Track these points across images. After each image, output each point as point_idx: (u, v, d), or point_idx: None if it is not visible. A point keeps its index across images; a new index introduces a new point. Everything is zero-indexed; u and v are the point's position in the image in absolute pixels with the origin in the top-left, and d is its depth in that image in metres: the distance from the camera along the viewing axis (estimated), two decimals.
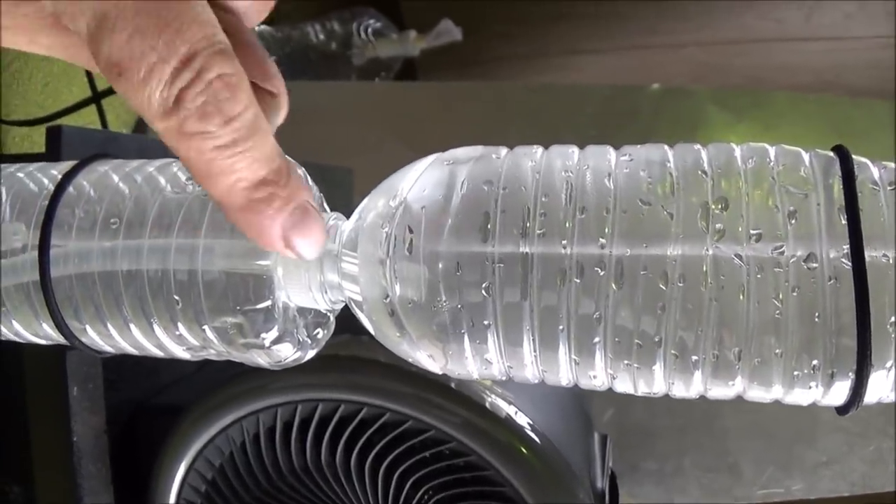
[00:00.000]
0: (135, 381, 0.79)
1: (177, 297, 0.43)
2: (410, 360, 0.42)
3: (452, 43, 1.31)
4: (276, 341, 0.42)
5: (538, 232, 0.37)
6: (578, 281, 0.37)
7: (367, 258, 0.40)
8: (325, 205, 0.47)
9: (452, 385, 0.63)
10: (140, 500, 0.73)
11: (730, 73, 1.32)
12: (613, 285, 0.37)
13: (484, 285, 0.38)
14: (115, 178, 0.46)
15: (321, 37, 1.29)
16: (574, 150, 0.41)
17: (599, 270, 0.37)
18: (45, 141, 0.68)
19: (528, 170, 0.39)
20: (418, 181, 0.40)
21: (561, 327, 0.38)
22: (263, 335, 0.42)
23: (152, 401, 0.79)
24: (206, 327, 0.43)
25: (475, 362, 0.40)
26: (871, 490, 1.12)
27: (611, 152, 0.41)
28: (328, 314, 0.46)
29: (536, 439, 0.64)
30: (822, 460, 1.19)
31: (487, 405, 0.63)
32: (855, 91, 1.32)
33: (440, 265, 0.38)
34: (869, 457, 1.20)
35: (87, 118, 0.98)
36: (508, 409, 0.64)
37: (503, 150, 0.41)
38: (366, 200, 0.42)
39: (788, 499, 1.11)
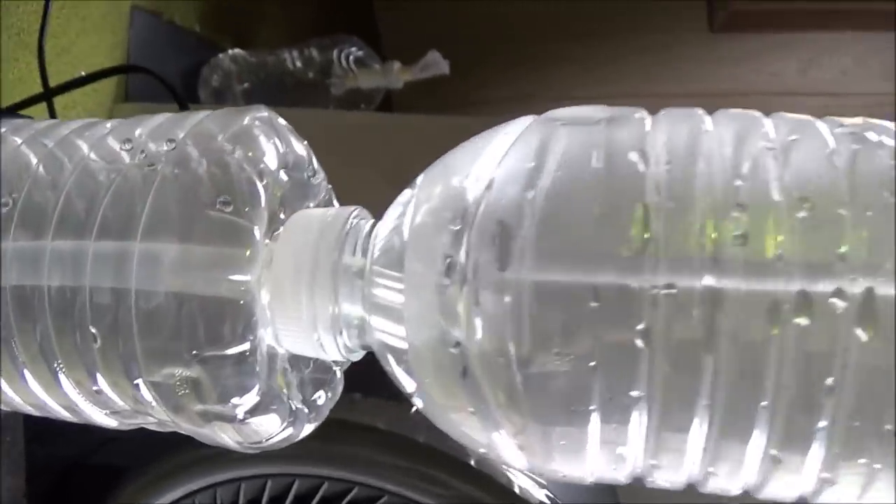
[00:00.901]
0: (67, 434, 0.59)
1: (94, 332, 0.24)
2: (482, 448, 0.23)
3: (433, 85, 1.13)
4: (256, 410, 0.24)
5: (735, 235, 0.20)
6: (804, 323, 0.19)
7: (420, 280, 0.21)
8: (335, 200, 0.29)
9: (472, 463, 0.45)
10: None
11: None
12: (859, 331, 0.19)
13: (639, 328, 0.19)
14: (17, 140, 0.28)
15: (298, 64, 1.11)
16: (759, 115, 0.23)
17: (838, 304, 0.19)
18: None
19: (703, 137, 0.21)
20: (514, 151, 0.21)
21: (764, 403, 0.20)
22: (236, 400, 0.23)
23: (89, 459, 0.59)
24: (140, 382, 0.24)
25: (599, 457, 0.22)
26: None
27: (817, 122, 0.23)
28: (334, 368, 0.28)
29: None
30: None
31: (516, 490, 0.45)
32: None
33: (562, 293, 0.20)
34: None
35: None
36: (539, 495, 0.45)
37: (642, 110, 0.23)
38: (416, 187, 0.24)
39: None
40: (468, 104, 1.28)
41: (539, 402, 0.20)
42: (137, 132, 0.26)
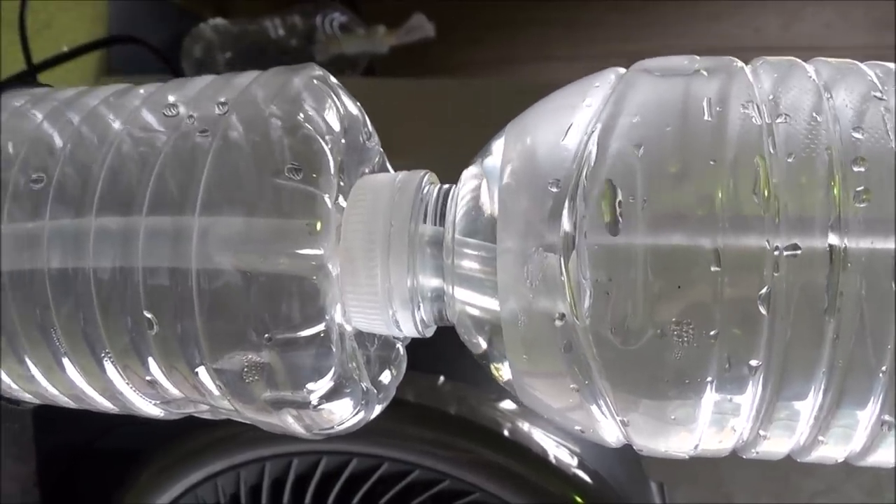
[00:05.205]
0: (75, 419, 0.57)
1: (150, 317, 0.22)
2: (577, 426, 0.21)
3: (413, 49, 1.11)
4: (331, 395, 0.22)
5: (857, 191, 0.18)
6: None
7: (516, 248, 0.20)
8: (388, 165, 0.27)
9: (506, 433, 0.43)
10: None
11: None
12: None
13: (762, 292, 0.18)
14: (38, 115, 0.25)
15: (281, 32, 1.07)
16: (858, 63, 0.22)
17: None
18: None
19: (812, 88, 0.20)
20: (613, 105, 0.20)
21: (884, 368, 0.19)
22: (310, 386, 0.21)
23: (98, 444, 0.57)
24: (201, 369, 0.22)
25: (708, 431, 0.20)
26: None
27: None
28: (397, 345, 0.26)
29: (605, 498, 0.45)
30: (819, 489, 1.01)
31: (552, 459, 0.43)
32: None
33: (681, 258, 0.18)
34: (867, 485, 1.03)
35: None
36: (574, 463, 0.44)
37: (736, 59, 0.22)
38: (496, 146, 0.22)
39: None
40: (449, 68, 1.25)
41: (652, 375, 0.19)
42: (178, 97, 0.24)
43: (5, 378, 0.27)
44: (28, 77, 0.63)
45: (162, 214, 0.22)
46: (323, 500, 0.45)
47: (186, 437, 0.48)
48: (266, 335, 0.20)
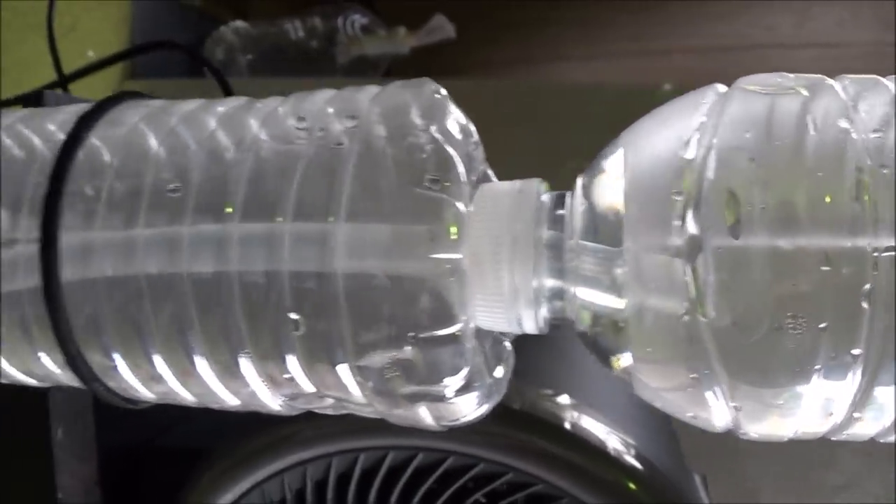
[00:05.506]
0: (135, 416, 0.59)
1: (296, 319, 0.24)
2: (689, 413, 0.24)
3: (428, 49, 1.14)
4: (463, 389, 0.24)
5: None
6: None
7: (643, 251, 0.22)
8: (491, 172, 0.29)
9: (567, 426, 0.46)
10: None
11: (721, 81, 1.18)
12: None
13: (865, 289, 0.21)
14: (160, 131, 0.28)
15: (301, 34, 1.10)
16: None
17: None
18: None
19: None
20: (722, 120, 0.22)
21: None
22: (447, 381, 0.24)
23: (159, 441, 0.59)
24: (343, 367, 0.24)
25: (810, 415, 0.23)
26: None
27: None
28: (505, 342, 0.29)
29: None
30: (840, 483, 1.05)
31: (611, 451, 0.46)
32: None
33: (796, 258, 0.21)
34: (886, 480, 1.06)
35: None
36: (630, 454, 0.47)
37: (825, 77, 0.24)
38: (613, 158, 0.24)
39: None
40: (465, 68, 1.27)
41: (767, 365, 0.21)
42: (303, 112, 0.27)
43: (131, 379, 0.30)
44: (58, 88, 0.65)
45: (306, 220, 0.24)
46: (387, 494, 0.48)
47: (252, 434, 0.50)
48: (410, 334, 0.23)
